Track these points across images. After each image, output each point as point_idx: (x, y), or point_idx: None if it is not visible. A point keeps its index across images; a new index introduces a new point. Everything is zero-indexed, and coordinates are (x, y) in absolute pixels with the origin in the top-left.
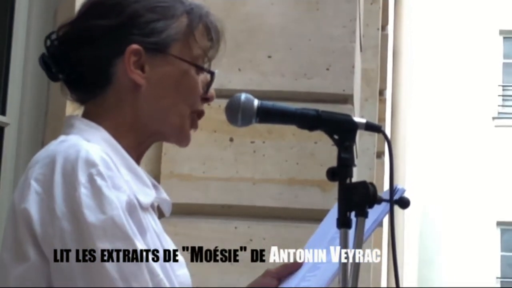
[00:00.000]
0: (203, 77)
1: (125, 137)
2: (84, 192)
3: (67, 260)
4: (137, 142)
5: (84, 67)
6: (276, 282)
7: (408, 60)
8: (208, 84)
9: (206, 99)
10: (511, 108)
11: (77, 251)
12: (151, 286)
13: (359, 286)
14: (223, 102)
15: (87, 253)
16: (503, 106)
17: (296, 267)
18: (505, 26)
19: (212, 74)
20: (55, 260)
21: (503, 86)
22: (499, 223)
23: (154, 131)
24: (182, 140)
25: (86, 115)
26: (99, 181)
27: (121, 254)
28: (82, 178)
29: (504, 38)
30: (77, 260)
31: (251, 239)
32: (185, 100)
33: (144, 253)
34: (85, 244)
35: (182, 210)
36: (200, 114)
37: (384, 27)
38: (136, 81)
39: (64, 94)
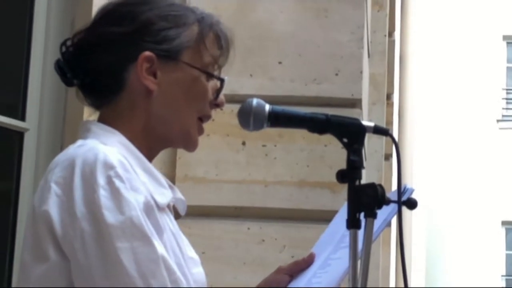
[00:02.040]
0: (213, 83)
1: (139, 140)
2: (103, 193)
3: (87, 259)
4: (149, 146)
5: (98, 72)
6: (288, 278)
7: (414, 65)
8: (218, 91)
9: (216, 105)
10: None
11: (97, 250)
12: (168, 284)
13: (368, 285)
14: (236, 107)
15: (106, 252)
16: (507, 109)
17: (307, 264)
18: (509, 32)
19: (222, 80)
20: (76, 259)
21: (506, 89)
22: (504, 223)
23: (162, 137)
24: (189, 145)
25: (101, 120)
26: (117, 182)
27: (139, 253)
28: (101, 180)
29: (507, 43)
30: (97, 259)
31: (263, 239)
32: (194, 106)
33: (162, 252)
34: (105, 244)
35: (196, 212)
36: (207, 118)
37: (391, 33)
38: (149, 86)
39: (79, 99)
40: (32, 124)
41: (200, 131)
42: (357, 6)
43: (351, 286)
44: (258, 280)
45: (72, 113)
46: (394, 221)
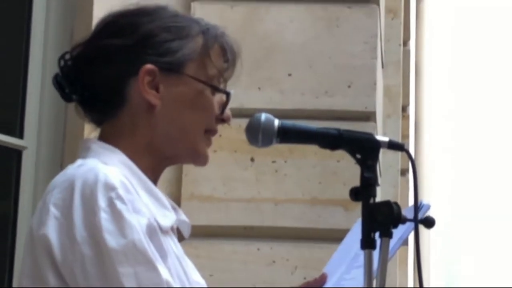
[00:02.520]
0: (219, 97)
1: (142, 159)
2: (104, 216)
3: (88, 286)
4: (153, 164)
5: (97, 87)
6: None
7: (431, 75)
8: (224, 105)
9: (222, 120)
10: None
11: (98, 276)
12: None
13: None
14: (244, 122)
15: (108, 278)
16: None
17: (319, 285)
18: None
19: (227, 94)
20: (76, 285)
21: None
22: None
23: (168, 154)
24: (199, 160)
25: (102, 137)
26: (119, 204)
27: (143, 278)
28: (102, 202)
29: None
30: (99, 285)
31: (274, 260)
32: (199, 121)
33: (166, 277)
34: (106, 269)
35: (204, 232)
36: (213, 133)
37: (406, 42)
38: (151, 101)
39: (79, 115)
40: (31, 142)
41: (208, 143)
42: (370, 14)
43: None
44: None
45: (72, 130)
46: (411, 238)
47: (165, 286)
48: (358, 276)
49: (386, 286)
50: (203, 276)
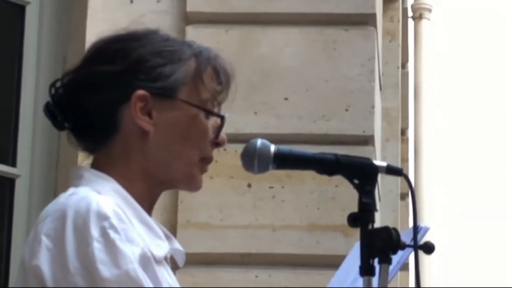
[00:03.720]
0: (213, 121)
1: (136, 186)
2: (97, 246)
3: None
4: (147, 191)
5: (89, 114)
6: None
7: (430, 98)
8: (219, 128)
9: (217, 144)
10: None
11: None
12: None
13: None
14: (239, 147)
15: None
16: None
17: None
18: None
19: (222, 118)
20: None
21: None
22: None
23: (163, 179)
24: (193, 186)
25: (95, 165)
26: (112, 234)
27: None
28: (95, 232)
29: None
30: None
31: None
32: (194, 146)
33: None
34: None
35: (201, 260)
36: (209, 160)
37: (404, 64)
38: (144, 127)
39: (71, 143)
40: (24, 170)
41: (203, 170)
42: (367, 36)
43: None
44: None
45: (66, 158)
46: (411, 263)
47: None
48: None
49: None
50: None
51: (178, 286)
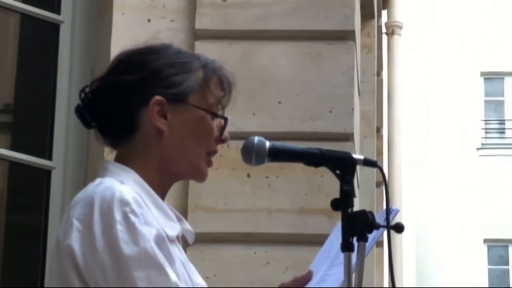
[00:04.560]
0: (218, 122)
1: (152, 177)
2: (120, 228)
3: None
4: (162, 181)
5: (113, 116)
6: None
7: (401, 101)
8: (223, 128)
9: (221, 141)
10: (493, 139)
11: (116, 280)
12: None
13: None
14: (240, 143)
15: (125, 281)
16: (485, 138)
17: (306, 281)
18: (485, 69)
19: (225, 119)
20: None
21: (485, 120)
22: (485, 240)
23: (175, 171)
24: (199, 177)
25: (118, 159)
26: (132, 218)
27: (155, 281)
28: (118, 216)
29: (484, 79)
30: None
31: (268, 262)
32: (202, 143)
33: (175, 280)
34: (123, 274)
35: (208, 239)
36: (214, 153)
37: (379, 73)
38: (160, 127)
39: (97, 140)
40: (58, 163)
41: (209, 164)
42: (348, 50)
43: None
44: None
45: (94, 153)
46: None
47: (174, 287)
48: (339, 272)
49: (364, 284)
50: (209, 276)
51: (188, 261)
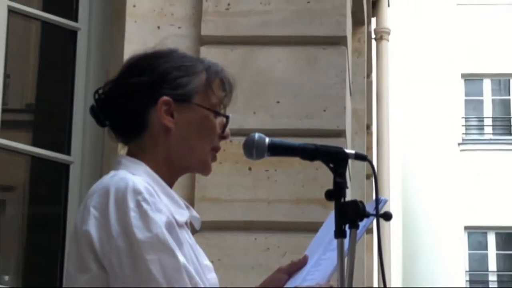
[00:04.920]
0: (220, 120)
1: (161, 170)
2: (133, 215)
3: (123, 270)
4: (169, 173)
5: (125, 115)
6: (286, 277)
7: (389, 100)
8: (224, 126)
9: (223, 137)
10: (473, 135)
11: (130, 262)
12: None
13: (354, 284)
14: (242, 139)
15: (138, 264)
16: (466, 134)
17: (302, 265)
18: (465, 71)
19: (227, 117)
20: (113, 271)
21: (465, 118)
22: (466, 227)
23: (181, 166)
24: (205, 171)
25: (129, 153)
26: (144, 205)
27: (165, 263)
28: (131, 204)
29: (465, 80)
30: (131, 270)
31: (268, 247)
32: (206, 139)
33: (183, 262)
34: (136, 257)
35: (213, 226)
36: (217, 149)
37: (368, 75)
38: (167, 125)
39: (110, 137)
40: (76, 158)
41: (213, 158)
42: (340, 54)
43: (339, 285)
44: None
45: (108, 148)
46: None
47: (183, 269)
48: (332, 257)
49: (355, 268)
50: (213, 260)
51: (196, 245)
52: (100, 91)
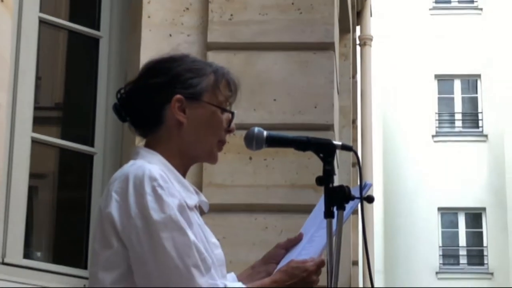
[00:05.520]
0: (226, 116)
1: (174, 160)
2: (149, 199)
3: (141, 247)
4: (182, 163)
5: (143, 112)
6: (284, 251)
7: (372, 98)
8: (230, 121)
9: (229, 131)
10: (445, 128)
11: (147, 240)
12: (199, 262)
13: (341, 257)
14: (243, 133)
15: (154, 241)
16: (439, 127)
17: (297, 241)
18: (438, 72)
19: (232, 113)
20: (132, 247)
21: (438, 113)
22: (439, 209)
23: (192, 155)
24: (212, 160)
25: (147, 145)
26: (159, 190)
27: (177, 241)
28: (148, 189)
29: (438, 80)
30: (148, 246)
31: (266, 226)
32: (214, 132)
33: (193, 239)
34: (152, 235)
35: (218, 208)
36: (223, 142)
37: (354, 76)
38: (180, 120)
39: (130, 130)
40: (99, 149)
41: (219, 149)
42: (329, 58)
43: (328, 258)
44: None
45: (128, 141)
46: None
47: (193, 246)
48: (323, 234)
49: (342, 244)
50: (219, 238)
51: (204, 225)
52: (122, 91)
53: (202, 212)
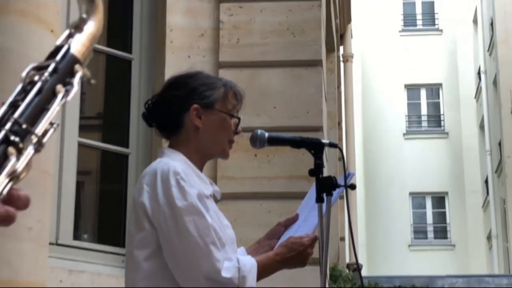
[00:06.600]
0: (234, 120)
1: (193, 157)
2: (174, 190)
3: (168, 229)
4: (199, 160)
5: (166, 118)
6: (283, 229)
7: (353, 104)
8: (237, 125)
9: (236, 133)
10: (413, 128)
11: (173, 223)
12: (216, 240)
13: (330, 233)
14: (249, 135)
15: (179, 224)
16: (409, 127)
17: (294, 220)
18: (407, 82)
19: (239, 119)
20: (161, 229)
21: (408, 115)
22: (410, 193)
23: (207, 153)
24: (224, 157)
25: (170, 146)
26: (182, 182)
27: (198, 223)
28: (172, 181)
29: (407, 89)
30: (174, 228)
31: (269, 210)
32: (225, 134)
33: (211, 222)
34: (177, 219)
35: (230, 196)
36: (232, 142)
37: (338, 86)
38: (197, 125)
39: (157, 134)
40: (133, 150)
41: (230, 148)
42: (317, 73)
43: (320, 235)
44: None
45: (156, 143)
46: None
47: (211, 227)
48: (315, 215)
49: (331, 223)
50: (230, 220)
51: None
52: (149, 102)
53: (216, 200)
